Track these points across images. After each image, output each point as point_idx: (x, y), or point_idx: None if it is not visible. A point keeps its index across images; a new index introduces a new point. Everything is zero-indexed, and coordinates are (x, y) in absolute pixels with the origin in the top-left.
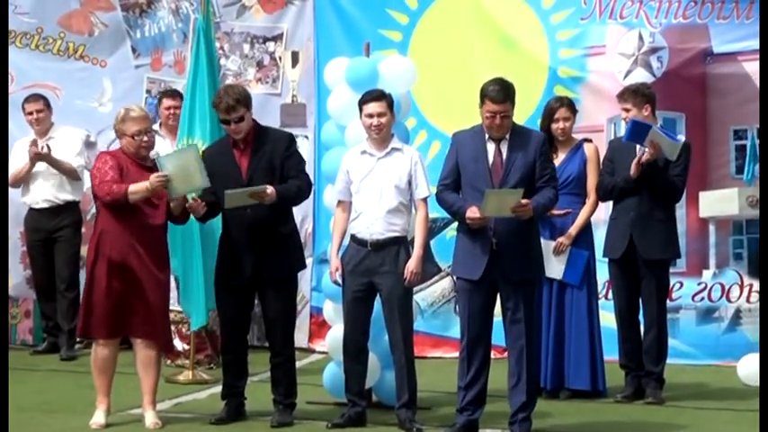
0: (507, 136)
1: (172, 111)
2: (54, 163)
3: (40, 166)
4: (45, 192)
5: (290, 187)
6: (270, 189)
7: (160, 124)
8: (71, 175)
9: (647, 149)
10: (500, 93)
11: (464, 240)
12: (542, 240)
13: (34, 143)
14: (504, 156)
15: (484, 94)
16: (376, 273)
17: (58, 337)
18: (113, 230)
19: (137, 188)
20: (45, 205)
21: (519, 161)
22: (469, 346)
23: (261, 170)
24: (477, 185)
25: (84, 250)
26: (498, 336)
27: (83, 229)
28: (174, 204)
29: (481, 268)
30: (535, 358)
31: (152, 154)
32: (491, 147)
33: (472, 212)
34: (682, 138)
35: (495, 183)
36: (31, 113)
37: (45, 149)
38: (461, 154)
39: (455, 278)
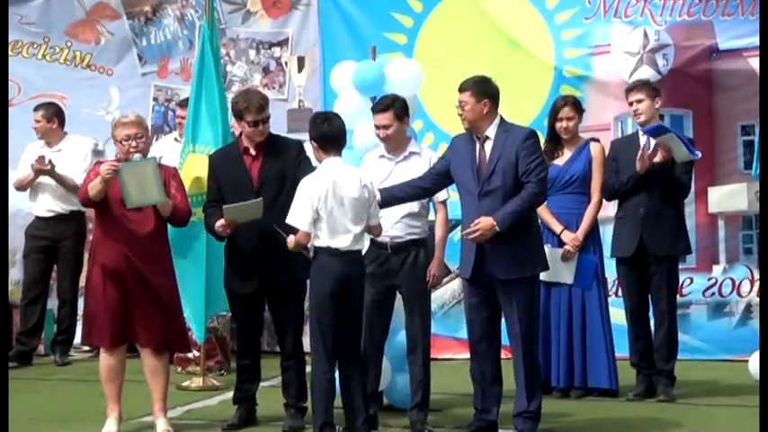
0: (492, 135)
1: (179, 120)
2: (57, 178)
3: (46, 177)
4: (51, 202)
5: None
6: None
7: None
8: (73, 190)
9: (651, 149)
10: (463, 83)
11: (462, 239)
12: (549, 248)
13: (40, 160)
14: (488, 156)
15: None
16: (396, 274)
17: (28, 346)
18: (104, 239)
19: (93, 182)
20: (50, 214)
21: (501, 161)
22: (471, 345)
23: (272, 178)
24: (468, 188)
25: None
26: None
27: (90, 237)
28: (160, 207)
29: (470, 266)
30: (533, 357)
31: (135, 157)
32: (476, 147)
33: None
34: (699, 154)
35: (479, 184)
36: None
37: (49, 165)
38: (454, 157)
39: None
